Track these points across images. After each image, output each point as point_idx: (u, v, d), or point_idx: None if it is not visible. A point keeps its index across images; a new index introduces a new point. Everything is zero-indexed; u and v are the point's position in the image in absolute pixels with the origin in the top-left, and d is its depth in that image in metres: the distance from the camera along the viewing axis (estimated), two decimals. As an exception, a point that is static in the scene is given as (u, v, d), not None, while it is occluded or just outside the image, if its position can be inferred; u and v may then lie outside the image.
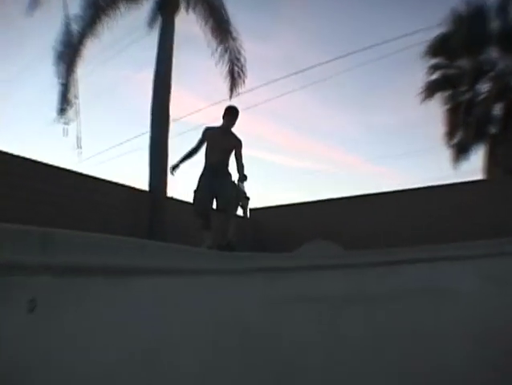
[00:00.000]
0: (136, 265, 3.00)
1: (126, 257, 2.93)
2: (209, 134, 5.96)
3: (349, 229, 13.24)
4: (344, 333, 3.96)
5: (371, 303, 4.12)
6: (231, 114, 5.91)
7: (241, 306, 3.77)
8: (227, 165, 6.01)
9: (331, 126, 35.65)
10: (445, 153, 17.10)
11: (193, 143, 5.99)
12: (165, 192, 10.24)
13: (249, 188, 5.97)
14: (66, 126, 10.74)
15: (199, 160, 6.03)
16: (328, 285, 4.14)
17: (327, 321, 4.05)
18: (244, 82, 12.76)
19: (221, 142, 5.87)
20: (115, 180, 9.48)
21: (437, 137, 17.30)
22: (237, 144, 5.98)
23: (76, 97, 10.89)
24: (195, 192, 5.88)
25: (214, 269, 3.83)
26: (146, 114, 10.88)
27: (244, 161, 5.80)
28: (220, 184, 5.85)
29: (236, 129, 6.07)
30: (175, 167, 5.91)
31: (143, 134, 17.73)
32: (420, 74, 16.91)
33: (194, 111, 27.90)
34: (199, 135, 5.90)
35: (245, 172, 5.76)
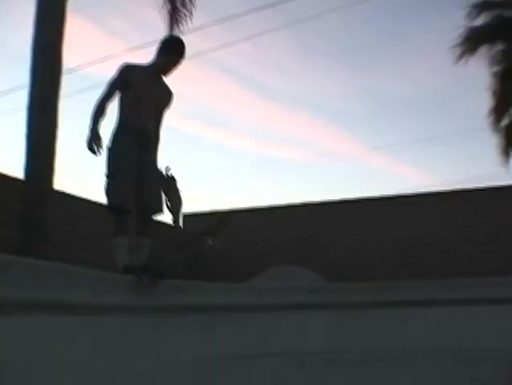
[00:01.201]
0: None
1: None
2: (134, 75, 5.65)
3: (333, 249, 13.35)
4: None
5: (366, 366, 4.11)
6: (174, 49, 5.64)
7: (164, 363, 3.71)
8: (159, 132, 5.85)
9: (318, 92, 36.04)
10: (489, 141, 17.20)
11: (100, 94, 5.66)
12: (51, 182, 9.92)
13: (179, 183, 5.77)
14: None
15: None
16: (301, 336, 4.12)
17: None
18: (191, 14, 12.66)
19: (153, 91, 5.62)
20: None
21: (478, 115, 17.28)
22: (168, 99, 5.82)
23: None
24: (111, 170, 5.50)
25: (123, 305, 3.75)
26: (25, 56, 10.54)
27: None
28: (149, 160, 5.62)
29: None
30: (95, 138, 5.45)
31: (18, 89, 17.28)
32: (455, 17, 16.84)
33: (104, 58, 27.28)
34: (112, 76, 5.59)
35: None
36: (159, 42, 5.72)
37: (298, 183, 40.44)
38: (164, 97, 5.74)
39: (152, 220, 5.62)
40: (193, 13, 12.67)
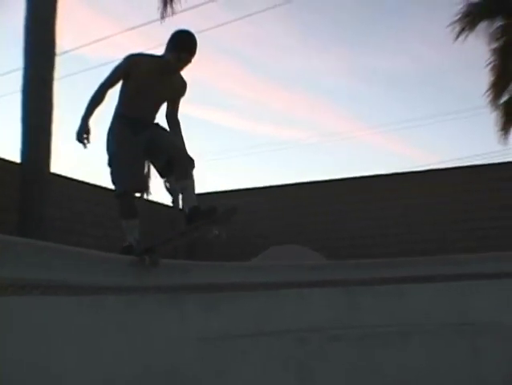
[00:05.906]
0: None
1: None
2: (137, 68, 5.50)
3: (334, 228, 13.35)
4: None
5: (369, 342, 4.10)
6: (184, 47, 5.42)
7: (166, 342, 3.70)
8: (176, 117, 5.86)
9: (316, 70, 35.92)
10: (488, 118, 17.13)
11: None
12: (48, 166, 9.83)
13: None
14: None
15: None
16: (303, 313, 4.12)
17: (297, 366, 4.03)
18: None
19: (159, 84, 5.49)
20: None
21: (477, 92, 17.08)
22: (182, 91, 5.70)
23: None
24: (113, 155, 5.44)
25: (125, 285, 3.74)
26: (19, 36, 10.43)
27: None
28: (151, 132, 5.55)
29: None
30: (84, 131, 5.38)
31: (14, 71, 17.21)
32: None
33: (97, 40, 27.09)
34: (117, 63, 5.46)
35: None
36: (170, 34, 5.48)
37: (299, 162, 40.33)
38: (174, 89, 5.60)
39: (186, 161, 5.47)
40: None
